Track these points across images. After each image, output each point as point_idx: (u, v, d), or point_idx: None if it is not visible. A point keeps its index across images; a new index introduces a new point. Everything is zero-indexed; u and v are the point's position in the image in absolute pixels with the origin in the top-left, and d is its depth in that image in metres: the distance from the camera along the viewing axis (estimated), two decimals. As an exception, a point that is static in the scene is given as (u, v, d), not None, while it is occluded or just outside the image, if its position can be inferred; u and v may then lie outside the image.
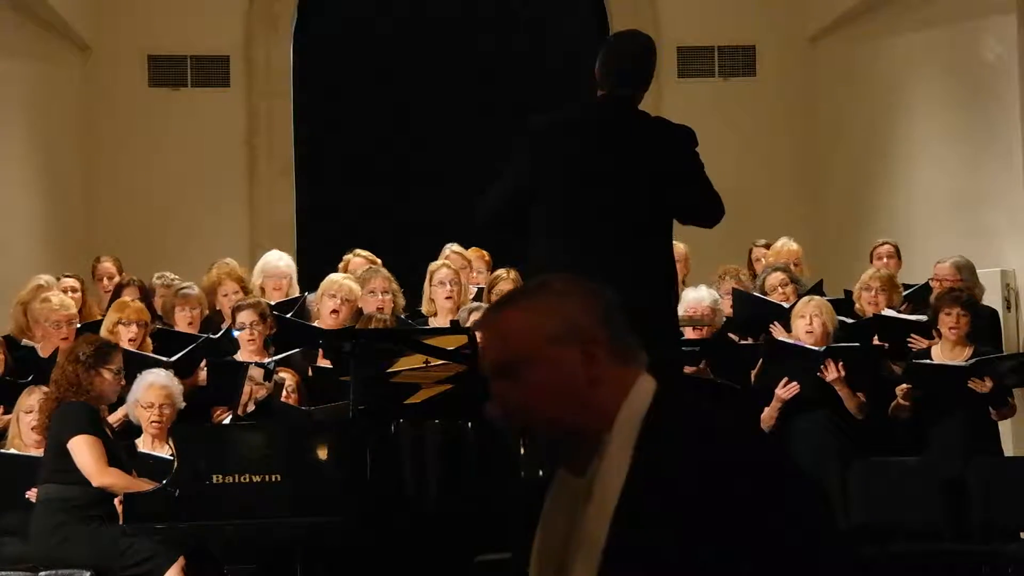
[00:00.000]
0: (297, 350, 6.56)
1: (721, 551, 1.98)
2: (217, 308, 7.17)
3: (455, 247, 7.67)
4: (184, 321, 6.88)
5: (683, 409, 2.15)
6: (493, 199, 4.40)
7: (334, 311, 6.79)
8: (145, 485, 5.29)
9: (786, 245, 7.95)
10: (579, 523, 2.11)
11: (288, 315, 6.88)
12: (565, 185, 4.25)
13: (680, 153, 4.31)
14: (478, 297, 7.29)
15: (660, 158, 4.29)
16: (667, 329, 4.39)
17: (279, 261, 7.51)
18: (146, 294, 7.41)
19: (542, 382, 2.14)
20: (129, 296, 7.16)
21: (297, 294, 7.42)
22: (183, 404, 5.90)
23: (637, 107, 4.40)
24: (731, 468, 2.04)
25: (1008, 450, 7.32)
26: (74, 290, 7.30)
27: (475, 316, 6.62)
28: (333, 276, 7.05)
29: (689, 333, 6.68)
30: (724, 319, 6.97)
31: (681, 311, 6.58)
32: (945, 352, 6.56)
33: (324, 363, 6.63)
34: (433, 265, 7.13)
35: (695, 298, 6.74)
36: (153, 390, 5.79)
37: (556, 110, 4.53)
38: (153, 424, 5.78)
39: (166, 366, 6.17)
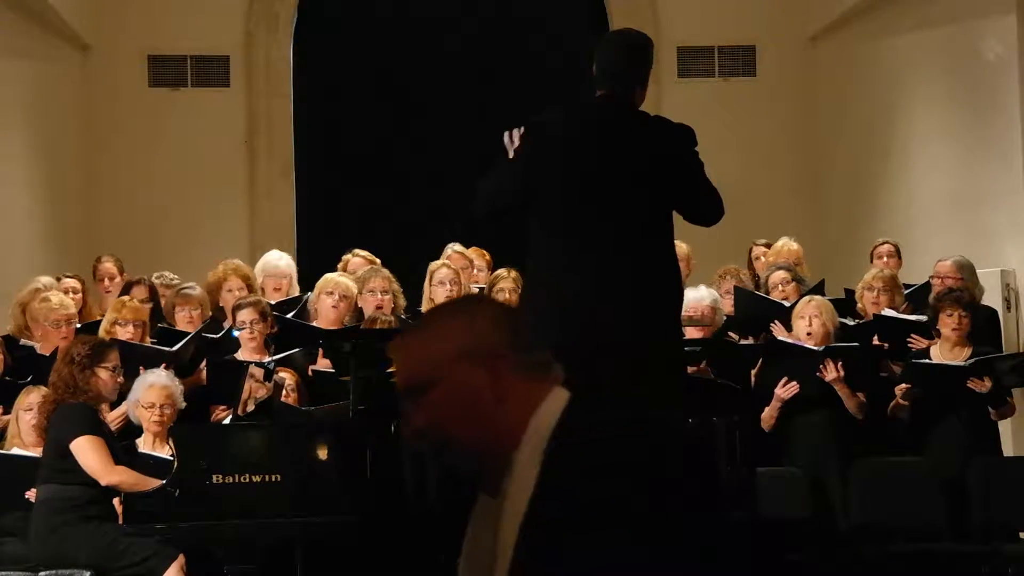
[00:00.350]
0: (297, 350, 6.56)
1: (624, 557, 1.97)
2: (221, 305, 7.15)
3: (457, 247, 7.67)
4: (184, 320, 6.88)
5: (592, 420, 2.13)
6: (491, 197, 4.38)
7: (334, 307, 6.79)
8: (152, 482, 5.29)
9: (786, 245, 7.95)
10: (497, 543, 2.09)
11: (288, 315, 6.89)
12: (565, 185, 4.25)
13: (680, 152, 4.30)
14: (479, 297, 7.30)
15: (660, 157, 4.28)
16: (670, 329, 4.38)
17: (279, 261, 7.53)
18: (154, 293, 7.40)
19: (447, 402, 2.13)
20: (138, 295, 7.16)
21: (297, 294, 7.43)
22: (184, 404, 5.90)
23: (637, 107, 4.39)
24: (633, 475, 2.03)
25: (1008, 450, 7.32)
26: (75, 291, 7.30)
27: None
28: (328, 275, 7.05)
29: (690, 333, 6.68)
30: (724, 318, 6.97)
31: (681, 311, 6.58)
32: (944, 352, 6.56)
33: (324, 363, 6.62)
34: (433, 265, 7.14)
35: (695, 298, 6.74)
36: (154, 390, 5.79)
37: (555, 110, 4.52)
38: (154, 424, 5.77)
39: (167, 356, 6.18)
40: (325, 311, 6.82)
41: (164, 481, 5.24)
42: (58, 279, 7.36)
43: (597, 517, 1.99)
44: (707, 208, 4.39)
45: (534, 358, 2.16)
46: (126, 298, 6.92)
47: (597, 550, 1.98)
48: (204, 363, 6.43)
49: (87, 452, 5.40)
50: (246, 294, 6.94)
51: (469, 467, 2.18)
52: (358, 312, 6.94)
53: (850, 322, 7.04)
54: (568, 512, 2.00)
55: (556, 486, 2.03)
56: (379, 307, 6.85)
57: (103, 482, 5.39)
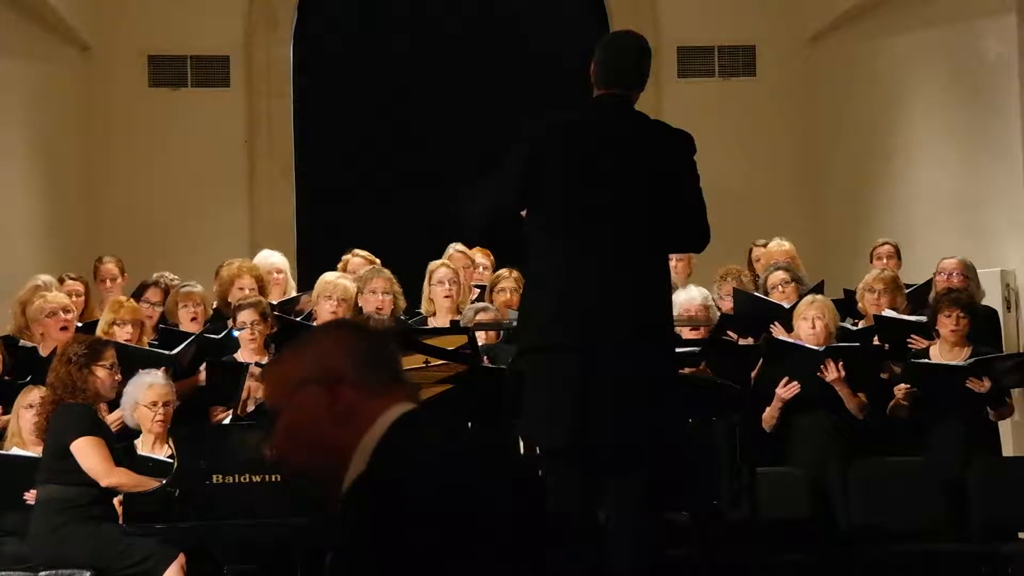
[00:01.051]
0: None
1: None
2: (229, 300, 7.14)
3: (459, 246, 7.64)
4: (187, 318, 6.90)
5: (411, 434, 2.15)
6: (488, 207, 4.33)
7: (333, 312, 6.80)
8: (152, 483, 5.28)
9: (779, 245, 7.92)
10: None
11: (288, 316, 6.90)
12: (565, 185, 4.24)
13: (681, 162, 4.28)
14: (482, 297, 7.28)
15: (661, 160, 4.27)
16: (666, 326, 4.37)
17: (271, 256, 7.65)
18: (167, 295, 7.38)
19: (291, 427, 2.18)
20: (152, 297, 7.14)
21: (294, 290, 7.47)
22: (177, 402, 5.91)
23: (634, 108, 4.38)
24: (443, 495, 2.04)
25: (1008, 450, 7.31)
26: (78, 293, 7.29)
27: (481, 316, 6.62)
28: (326, 276, 7.04)
29: (687, 333, 6.67)
30: (718, 315, 6.97)
31: (675, 313, 6.57)
32: (944, 352, 6.56)
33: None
34: (433, 264, 7.13)
35: (687, 298, 6.73)
36: (154, 389, 5.79)
37: (554, 111, 4.50)
38: (158, 424, 5.77)
39: (165, 360, 6.18)
40: (324, 316, 6.82)
41: (164, 481, 5.24)
42: (61, 280, 7.36)
43: (384, 537, 2.00)
44: (695, 232, 4.34)
45: (379, 376, 2.19)
46: (123, 298, 6.92)
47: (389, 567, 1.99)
48: (204, 364, 6.44)
49: (87, 453, 5.40)
50: (257, 294, 6.96)
51: (318, 492, 2.21)
52: (358, 311, 6.94)
53: (851, 326, 7.03)
54: (363, 529, 2.02)
55: (357, 500, 2.06)
56: (380, 308, 6.83)
57: (103, 483, 5.39)
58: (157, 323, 7.02)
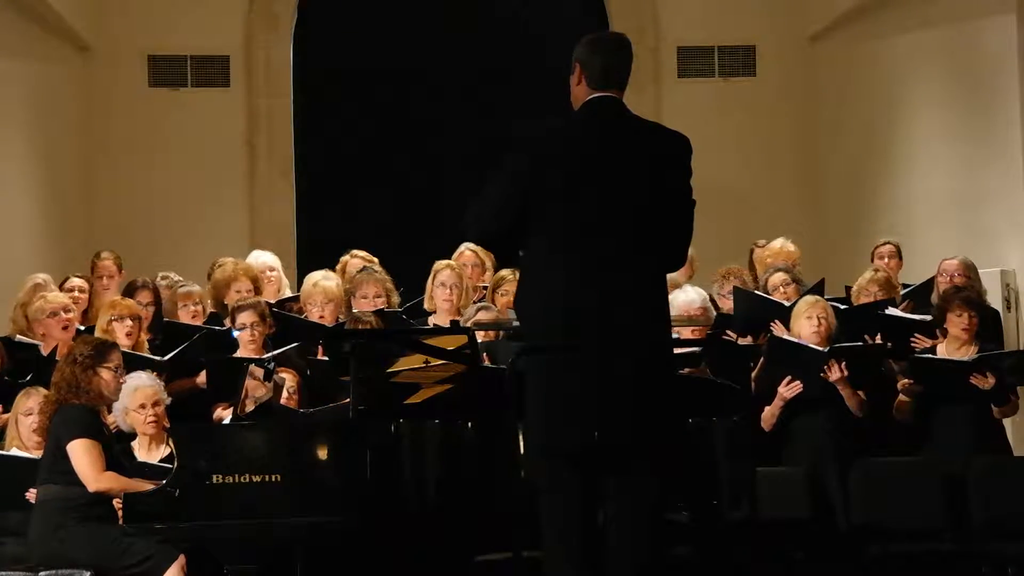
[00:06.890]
0: (294, 345, 6.54)
1: None
2: (225, 303, 7.13)
3: (471, 246, 7.46)
4: (187, 316, 6.93)
5: None
6: (489, 214, 4.31)
7: (320, 317, 6.82)
8: (143, 485, 5.29)
9: (784, 246, 7.91)
10: None
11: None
12: (567, 188, 4.21)
13: (678, 166, 4.25)
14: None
15: (661, 164, 4.24)
16: (666, 327, 4.35)
17: (262, 256, 7.69)
18: (157, 296, 7.37)
19: None
20: (142, 299, 7.14)
21: (288, 288, 7.51)
22: (168, 399, 5.90)
23: (627, 109, 4.36)
24: None
25: (1012, 449, 7.30)
26: (81, 290, 7.30)
27: (481, 316, 6.61)
28: (310, 279, 7.03)
29: (686, 333, 6.67)
30: (715, 315, 6.96)
31: (674, 313, 6.55)
32: (951, 351, 6.55)
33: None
34: (438, 264, 7.06)
35: (686, 300, 6.70)
36: (140, 392, 5.77)
37: (552, 118, 4.44)
38: (150, 425, 5.77)
39: (159, 366, 6.19)
40: (314, 319, 6.83)
41: (154, 485, 5.25)
42: (65, 279, 7.36)
43: None
44: (677, 253, 4.31)
45: None
46: (118, 296, 6.94)
47: None
48: (203, 365, 6.43)
49: (80, 456, 5.40)
50: (253, 296, 6.96)
51: None
52: (348, 307, 6.95)
53: (840, 306, 7.00)
54: None
55: None
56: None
57: (91, 488, 5.38)
58: (151, 323, 7.01)
